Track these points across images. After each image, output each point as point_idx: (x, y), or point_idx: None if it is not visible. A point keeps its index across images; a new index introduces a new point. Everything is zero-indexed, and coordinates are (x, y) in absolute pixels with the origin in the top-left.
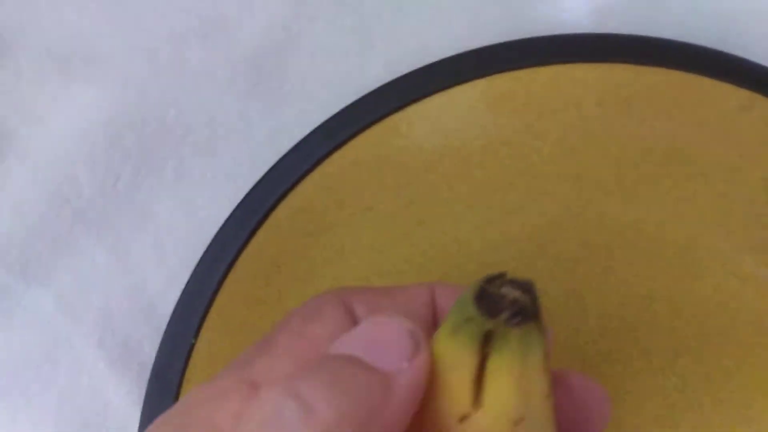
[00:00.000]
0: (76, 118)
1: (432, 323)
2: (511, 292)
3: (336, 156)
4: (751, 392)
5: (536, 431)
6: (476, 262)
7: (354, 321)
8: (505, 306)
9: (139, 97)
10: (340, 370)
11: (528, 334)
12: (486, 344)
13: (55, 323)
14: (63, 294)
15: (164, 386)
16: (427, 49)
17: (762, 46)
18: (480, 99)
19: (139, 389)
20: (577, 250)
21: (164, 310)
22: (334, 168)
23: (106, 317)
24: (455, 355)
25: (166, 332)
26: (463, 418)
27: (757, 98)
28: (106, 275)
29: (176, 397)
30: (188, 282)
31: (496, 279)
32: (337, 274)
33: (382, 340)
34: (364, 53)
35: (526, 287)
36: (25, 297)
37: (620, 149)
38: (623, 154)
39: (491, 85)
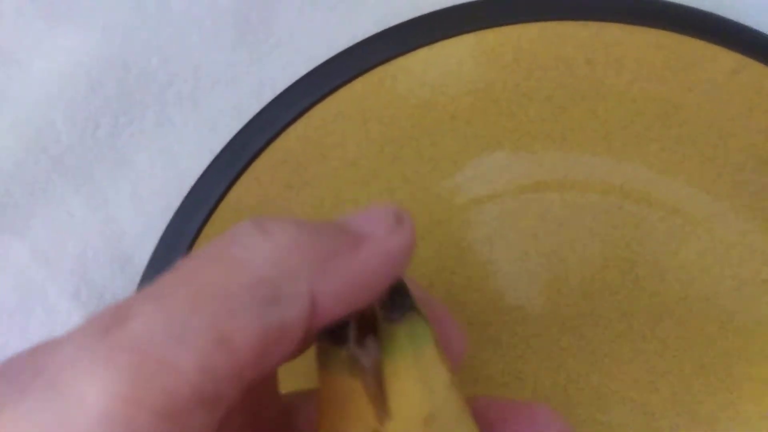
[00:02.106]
0: (57, 63)
1: None
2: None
3: (320, 108)
4: (732, 358)
5: (450, 423)
6: (459, 219)
7: None
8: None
9: (123, 44)
10: (313, 222)
11: (413, 327)
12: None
13: (29, 272)
14: (38, 243)
15: None
16: (418, 5)
17: (755, 10)
18: (468, 54)
19: None
20: (561, 211)
21: (141, 262)
22: (318, 120)
23: (82, 267)
24: (340, 386)
25: (141, 281)
26: None
27: (748, 62)
28: (82, 225)
29: None
30: (165, 231)
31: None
32: None
33: (368, 215)
34: (354, 7)
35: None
36: (0, 245)
37: (608, 110)
38: (611, 115)
39: (480, 40)
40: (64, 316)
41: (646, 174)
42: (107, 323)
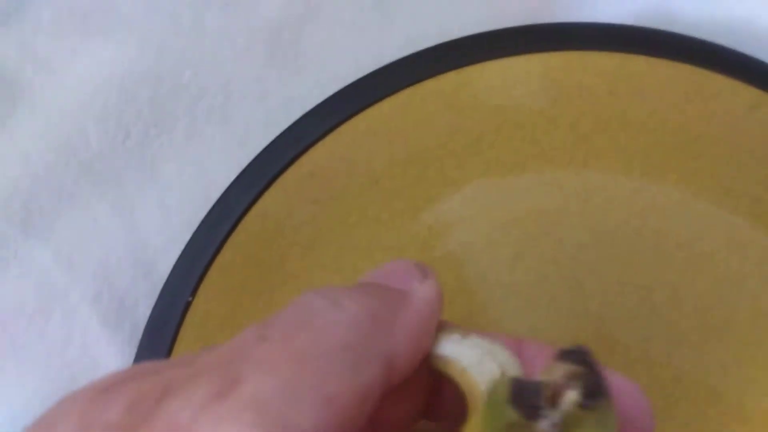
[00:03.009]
0: (91, 73)
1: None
2: (559, 371)
3: (349, 124)
4: (746, 389)
5: None
6: (482, 241)
7: None
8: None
9: (157, 57)
10: (361, 286)
11: (604, 417)
12: None
13: (51, 276)
14: (62, 247)
15: (157, 341)
16: (446, 30)
17: None
18: (495, 80)
19: (130, 349)
20: (582, 237)
21: (164, 271)
22: (347, 136)
23: (104, 273)
24: None
25: (164, 288)
26: None
27: (766, 97)
28: (107, 231)
29: (168, 353)
30: (191, 239)
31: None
32: (340, 243)
33: (393, 271)
34: (383, 30)
35: (580, 357)
36: (23, 248)
37: (629, 139)
38: (632, 144)
39: (507, 66)
40: (84, 320)
41: (665, 203)
42: (220, 384)
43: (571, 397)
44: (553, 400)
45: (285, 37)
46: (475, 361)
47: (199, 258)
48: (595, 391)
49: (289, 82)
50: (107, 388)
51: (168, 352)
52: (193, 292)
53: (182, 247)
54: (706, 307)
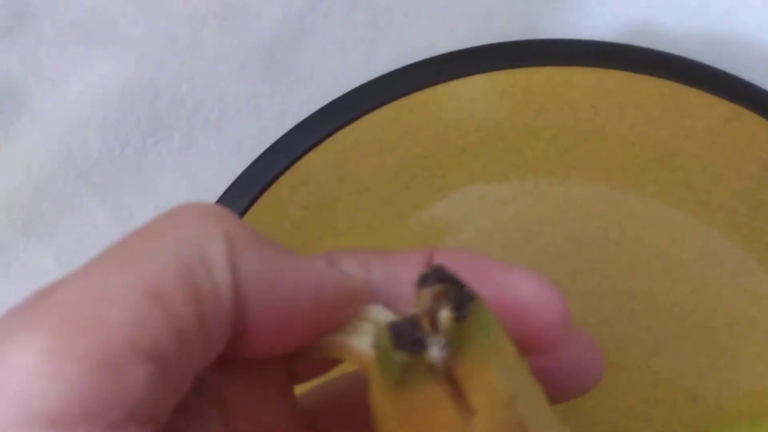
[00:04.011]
0: (91, 85)
1: None
2: (426, 296)
3: (339, 135)
4: (723, 391)
5: (527, 394)
6: (467, 248)
7: None
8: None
9: (155, 71)
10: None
11: (479, 316)
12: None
13: (51, 279)
14: (63, 252)
15: None
16: (435, 47)
17: (748, 63)
18: (480, 93)
19: None
20: (563, 244)
21: None
22: (337, 146)
23: None
24: (418, 400)
25: None
26: None
27: (742, 111)
28: (106, 236)
29: None
30: None
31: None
32: (331, 248)
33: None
34: (374, 48)
35: (438, 275)
36: (25, 253)
37: (609, 152)
38: (612, 156)
39: (492, 80)
40: None
41: (644, 213)
42: (36, 296)
43: (445, 315)
44: (433, 324)
45: (279, 53)
46: (356, 335)
47: None
48: (462, 300)
49: (283, 97)
50: None
51: None
52: None
53: None
54: (683, 314)
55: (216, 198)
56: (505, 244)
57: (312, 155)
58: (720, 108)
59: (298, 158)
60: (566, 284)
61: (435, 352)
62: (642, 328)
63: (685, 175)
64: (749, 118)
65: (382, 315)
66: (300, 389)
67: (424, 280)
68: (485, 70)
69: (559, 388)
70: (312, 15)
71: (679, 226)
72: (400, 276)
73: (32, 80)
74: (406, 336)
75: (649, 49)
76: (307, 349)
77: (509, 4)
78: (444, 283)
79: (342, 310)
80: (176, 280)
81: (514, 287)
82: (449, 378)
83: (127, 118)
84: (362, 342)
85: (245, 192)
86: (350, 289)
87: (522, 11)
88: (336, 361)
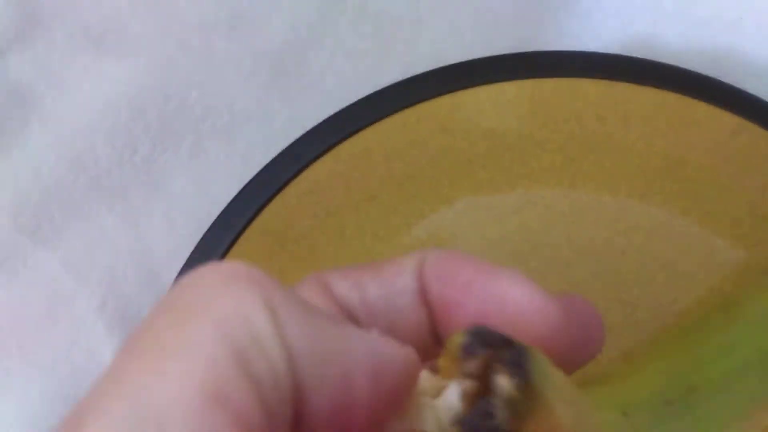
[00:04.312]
0: (102, 91)
1: (421, 296)
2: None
3: (347, 144)
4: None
5: (581, 411)
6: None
7: (333, 300)
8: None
9: (165, 78)
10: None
11: (534, 364)
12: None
13: (59, 283)
14: (70, 257)
15: None
16: (442, 58)
17: (755, 77)
18: (487, 104)
19: None
20: (569, 254)
21: (167, 280)
22: (345, 155)
23: (110, 282)
24: None
25: None
26: None
27: (747, 125)
28: (113, 242)
29: None
30: (194, 250)
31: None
32: (338, 256)
33: None
34: (382, 57)
35: (485, 340)
36: (33, 256)
37: (615, 163)
38: (618, 168)
39: (499, 91)
40: (89, 326)
41: (649, 224)
42: (71, 420)
43: (505, 383)
44: (486, 388)
45: (288, 61)
46: (420, 419)
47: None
48: (519, 361)
49: (291, 104)
50: None
51: None
52: None
53: (185, 257)
54: (687, 324)
55: (223, 206)
56: (511, 253)
57: (320, 164)
58: (726, 121)
59: (306, 166)
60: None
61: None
62: (647, 338)
63: (691, 187)
64: (754, 131)
65: (432, 383)
66: None
67: (469, 350)
68: (492, 81)
69: (565, 360)
70: (321, 24)
71: (684, 237)
72: (397, 287)
73: (43, 86)
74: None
75: (656, 62)
76: None
77: (516, 16)
78: (492, 347)
79: (401, 385)
80: (233, 371)
81: (502, 292)
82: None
83: (136, 124)
84: (430, 427)
85: (253, 199)
86: (409, 360)
87: (529, 23)
88: None
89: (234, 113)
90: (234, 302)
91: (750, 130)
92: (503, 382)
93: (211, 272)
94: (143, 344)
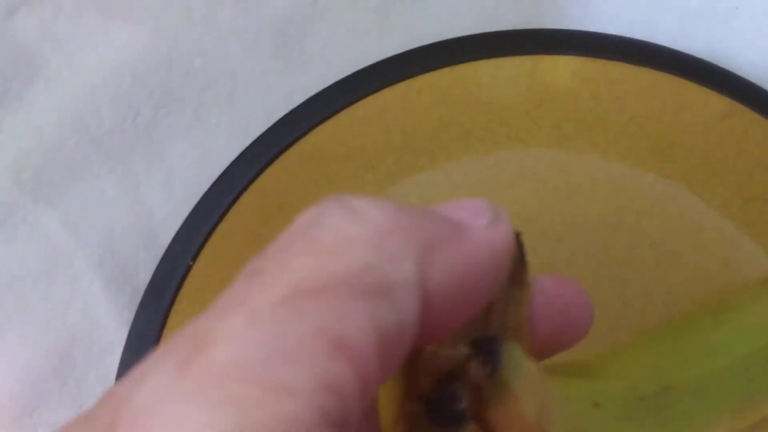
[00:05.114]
0: (107, 56)
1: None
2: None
3: (348, 111)
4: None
5: (552, 399)
6: None
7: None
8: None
9: (170, 45)
10: (399, 203)
11: (509, 357)
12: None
13: (57, 241)
14: (69, 216)
15: (157, 299)
16: (443, 35)
17: (745, 61)
18: (486, 78)
19: (129, 312)
20: (561, 230)
21: (165, 242)
22: (345, 123)
23: (109, 242)
24: None
25: (167, 251)
26: None
27: (738, 107)
28: (113, 203)
29: (167, 313)
30: (193, 209)
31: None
32: None
33: (458, 206)
34: (384, 32)
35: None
36: (32, 214)
37: (609, 142)
38: (611, 146)
39: (498, 66)
40: (87, 284)
41: (640, 203)
42: (185, 354)
43: (476, 369)
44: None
45: (291, 33)
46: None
47: (202, 226)
48: (493, 352)
49: (293, 76)
50: None
51: (167, 311)
52: (194, 257)
53: (182, 219)
54: (674, 302)
55: (224, 167)
56: None
57: (320, 130)
58: (717, 103)
59: (307, 132)
60: (563, 269)
61: (460, 410)
62: (635, 314)
63: (682, 167)
64: (745, 114)
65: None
66: None
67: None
68: (492, 56)
69: (552, 339)
70: None
71: (674, 215)
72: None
73: (49, 49)
74: (444, 414)
75: (651, 43)
76: None
77: None
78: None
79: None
80: (361, 320)
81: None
82: (483, 423)
83: (139, 88)
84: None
85: (254, 162)
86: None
87: (529, 3)
88: None
89: (236, 82)
90: (360, 230)
91: (740, 113)
92: (473, 369)
93: (327, 206)
94: (249, 284)
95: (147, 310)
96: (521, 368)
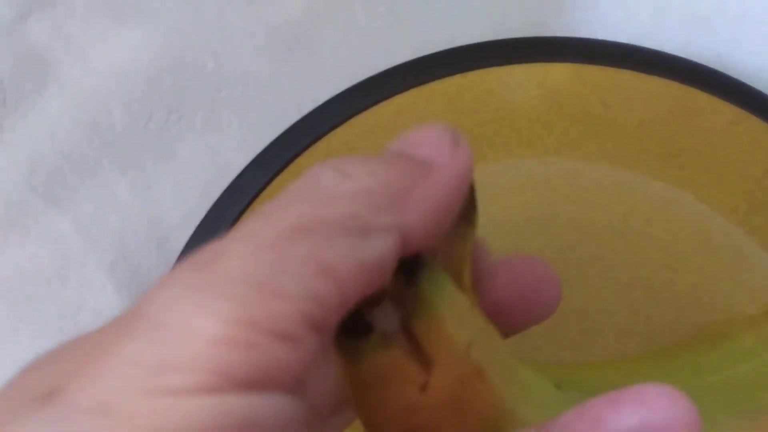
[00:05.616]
0: (119, 58)
1: None
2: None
3: (359, 118)
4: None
5: (485, 338)
6: (477, 234)
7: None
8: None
9: (182, 47)
10: (379, 155)
11: (430, 274)
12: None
13: (69, 243)
14: (82, 218)
15: None
16: (453, 38)
17: (752, 70)
18: (496, 85)
19: None
20: (570, 236)
21: (176, 244)
22: (357, 129)
23: (121, 244)
24: (376, 367)
25: (180, 256)
26: (424, 387)
27: (746, 115)
28: (125, 206)
29: None
30: (205, 217)
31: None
32: None
33: (421, 138)
34: (394, 36)
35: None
36: (45, 217)
37: (617, 148)
38: (620, 153)
39: (509, 73)
40: (98, 286)
41: (648, 208)
42: (202, 262)
43: (394, 281)
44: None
45: (303, 36)
46: None
47: (212, 234)
48: (412, 265)
49: (304, 79)
50: None
51: None
52: None
53: (194, 223)
54: (681, 307)
55: (234, 175)
56: (512, 232)
57: (332, 136)
58: (725, 111)
59: (318, 138)
60: (569, 273)
61: (385, 322)
62: (641, 319)
63: (689, 174)
64: (752, 122)
65: None
66: None
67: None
68: (502, 63)
69: (519, 316)
70: (336, 1)
71: (681, 221)
72: None
73: (61, 51)
74: (349, 326)
75: (660, 52)
76: None
77: (526, 3)
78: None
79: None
80: (346, 253)
81: None
82: (408, 335)
83: (152, 91)
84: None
85: (266, 168)
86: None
87: (538, 9)
88: None
89: (248, 85)
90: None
91: (748, 120)
92: (393, 282)
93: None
94: (266, 218)
95: None
96: (444, 288)
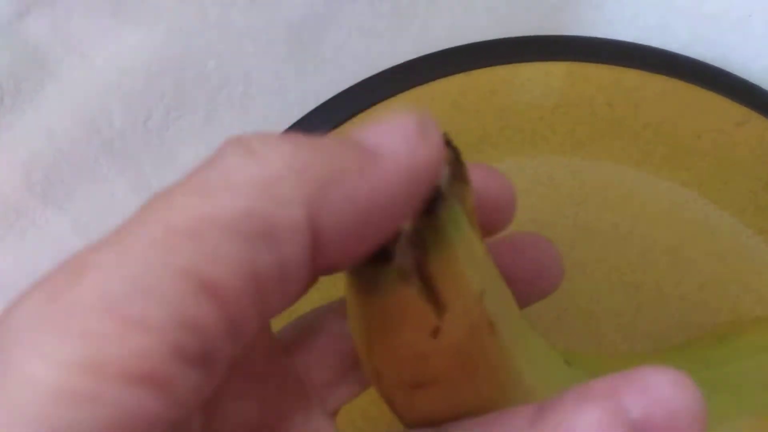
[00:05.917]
0: (119, 57)
1: None
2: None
3: (361, 117)
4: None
5: (497, 293)
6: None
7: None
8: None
9: (183, 47)
10: (301, 135)
11: (449, 213)
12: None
13: (67, 244)
14: (80, 218)
15: None
16: (456, 40)
17: (757, 69)
18: (500, 85)
19: None
20: (575, 236)
21: None
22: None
23: None
24: (391, 303)
25: None
26: (435, 333)
27: (753, 115)
28: (123, 205)
29: None
30: None
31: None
32: None
33: (380, 126)
34: (397, 36)
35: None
36: (42, 217)
37: (623, 149)
38: (625, 153)
39: (512, 72)
40: None
41: (654, 209)
42: (58, 283)
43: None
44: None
45: (305, 36)
46: None
47: None
48: (435, 198)
49: (306, 79)
50: None
51: None
52: None
53: None
54: (688, 308)
55: None
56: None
57: (333, 135)
58: (732, 111)
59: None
60: (576, 275)
61: (402, 258)
62: (648, 321)
63: (696, 174)
64: (759, 122)
65: None
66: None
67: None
68: (506, 63)
69: (521, 292)
70: (338, 1)
71: (688, 222)
72: None
73: (61, 50)
74: (377, 257)
75: (666, 51)
76: None
77: (531, 2)
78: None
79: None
80: (233, 263)
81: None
82: (423, 276)
83: (152, 90)
84: None
85: None
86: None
87: (542, 8)
88: None
89: (249, 85)
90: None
91: (755, 120)
92: (414, 218)
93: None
94: (136, 225)
95: None
96: (462, 224)
